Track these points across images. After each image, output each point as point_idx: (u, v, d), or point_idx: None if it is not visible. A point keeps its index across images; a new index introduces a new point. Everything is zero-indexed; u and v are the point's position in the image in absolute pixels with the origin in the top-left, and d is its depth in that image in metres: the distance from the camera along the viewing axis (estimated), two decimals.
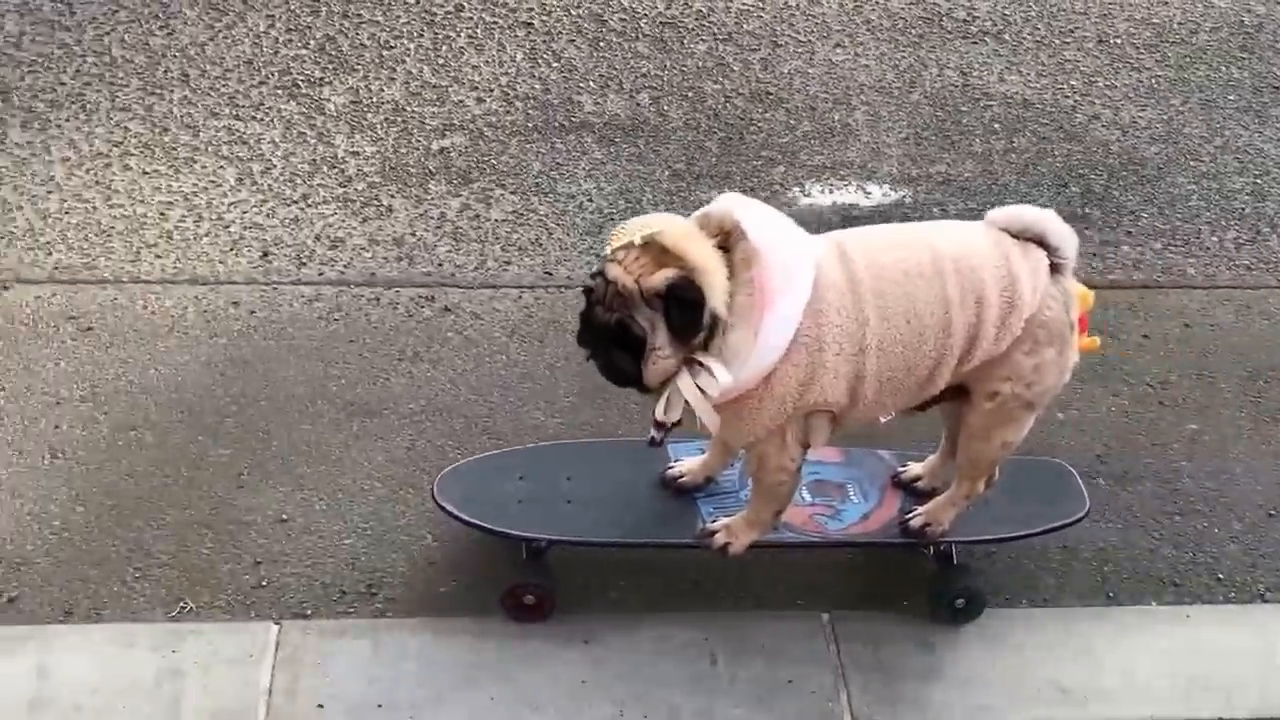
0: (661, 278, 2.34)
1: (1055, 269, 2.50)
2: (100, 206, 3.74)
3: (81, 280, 3.51)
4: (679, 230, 2.38)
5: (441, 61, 4.34)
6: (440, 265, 3.67)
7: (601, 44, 4.46)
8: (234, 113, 4.08)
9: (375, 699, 2.56)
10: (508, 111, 4.19)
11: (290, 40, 4.36)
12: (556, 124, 4.16)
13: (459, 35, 4.45)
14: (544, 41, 4.45)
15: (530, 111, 4.19)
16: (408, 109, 4.15)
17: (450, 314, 3.52)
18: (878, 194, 3.98)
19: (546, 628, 2.73)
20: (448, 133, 4.09)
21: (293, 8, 4.48)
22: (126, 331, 3.38)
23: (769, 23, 4.60)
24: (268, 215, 3.76)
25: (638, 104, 4.26)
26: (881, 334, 2.42)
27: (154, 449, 3.09)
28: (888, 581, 2.93)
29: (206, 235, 3.67)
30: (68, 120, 4.00)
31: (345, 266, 3.64)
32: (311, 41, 4.37)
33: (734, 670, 2.65)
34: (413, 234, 3.75)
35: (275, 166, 3.92)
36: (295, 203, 3.81)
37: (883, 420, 2.63)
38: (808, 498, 2.86)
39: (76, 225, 3.67)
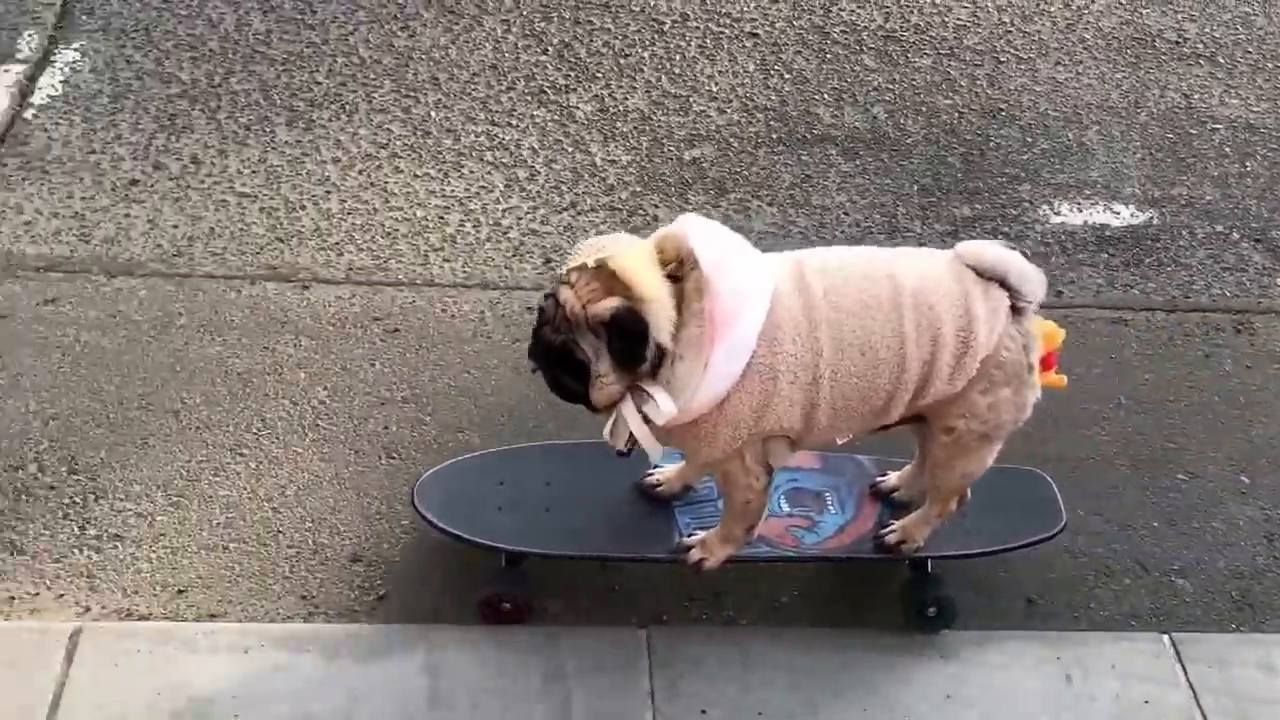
0: (605, 307, 2.34)
1: (1017, 310, 2.50)
2: (380, 208, 3.81)
3: (377, 282, 3.59)
4: (631, 257, 2.38)
5: (677, 71, 4.41)
6: None
7: (828, 56, 4.54)
8: (489, 118, 4.15)
9: (755, 706, 2.65)
10: (749, 123, 4.26)
11: (529, 46, 4.43)
12: (799, 136, 4.24)
13: (689, 45, 4.52)
14: (772, 53, 4.52)
15: (771, 123, 4.27)
16: (654, 118, 4.23)
17: None
18: (1125, 214, 4.07)
19: (899, 640, 2.81)
20: (696, 143, 4.17)
21: (525, 13, 4.55)
22: (431, 334, 3.46)
23: (987, 39, 4.67)
24: (541, 222, 3.84)
25: (874, 117, 4.33)
26: (835, 364, 2.44)
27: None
28: (1217, 605, 3.02)
29: (488, 240, 3.75)
30: (330, 120, 4.07)
31: None
32: (549, 48, 4.43)
33: (1090, 689, 2.74)
34: None
35: (539, 173, 3.99)
36: (565, 210, 3.89)
37: (839, 441, 2.67)
38: (785, 507, 2.87)
39: (361, 227, 3.74)
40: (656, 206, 3.94)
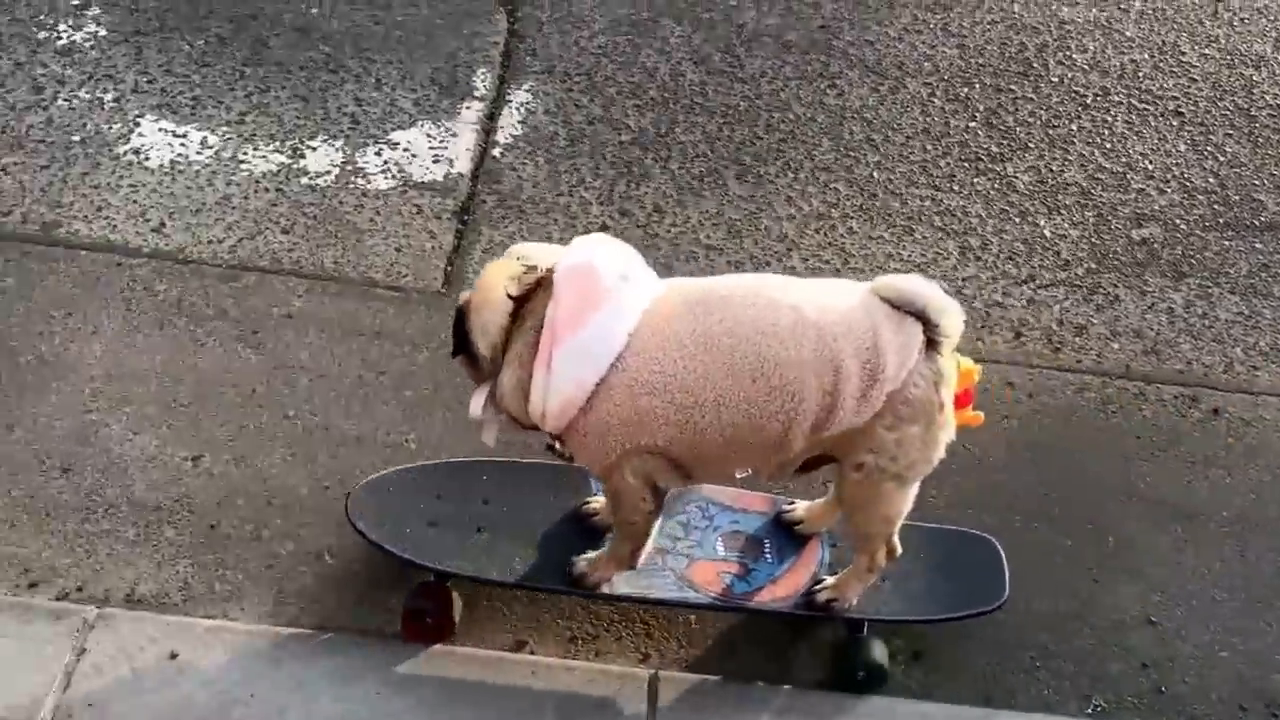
0: (460, 295, 2.60)
1: (932, 344, 2.42)
2: (842, 269, 3.83)
3: None
4: (494, 267, 2.54)
5: (1108, 146, 4.36)
6: (1189, 364, 3.68)
7: (1260, 140, 4.43)
8: (930, 182, 4.15)
9: None
10: (1192, 204, 4.19)
11: (955, 110, 4.42)
12: (1245, 222, 4.14)
13: (1115, 120, 4.46)
14: (1201, 133, 4.44)
15: (1215, 206, 4.19)
16: (1093, 193, 4.18)
17: (1220, 417, 3.53)
18: None
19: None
20: (1143, 222, 4.10)
21: (945, 77, 4.55)
22: None
23: None
24: (1004, 294, 3.82)
25: None
26: (723, 389, 2.41)
27: None
28: None
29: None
30: (777, 176, 4.12)
31: (1098, 356, 3.67)
32: (976, 114, 4.42)
33: None
34: (1150, 328, 3.77)
35: (991, 242, 3.97)
36: (1024, 283, 3.86)
37: (738, 476, 2.60)
38: (720, 550, 2.82)
39: None
40: (1115, 286, 3.89)
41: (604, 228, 3.87)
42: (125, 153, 3.91)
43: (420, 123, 4.15)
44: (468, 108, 4.23)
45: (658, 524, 2.68)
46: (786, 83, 4.48)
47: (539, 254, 2.54)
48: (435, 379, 3.37)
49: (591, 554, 2.77)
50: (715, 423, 2.44)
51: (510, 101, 4.28)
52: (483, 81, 4.34)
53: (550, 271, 2.47)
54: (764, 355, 2.41)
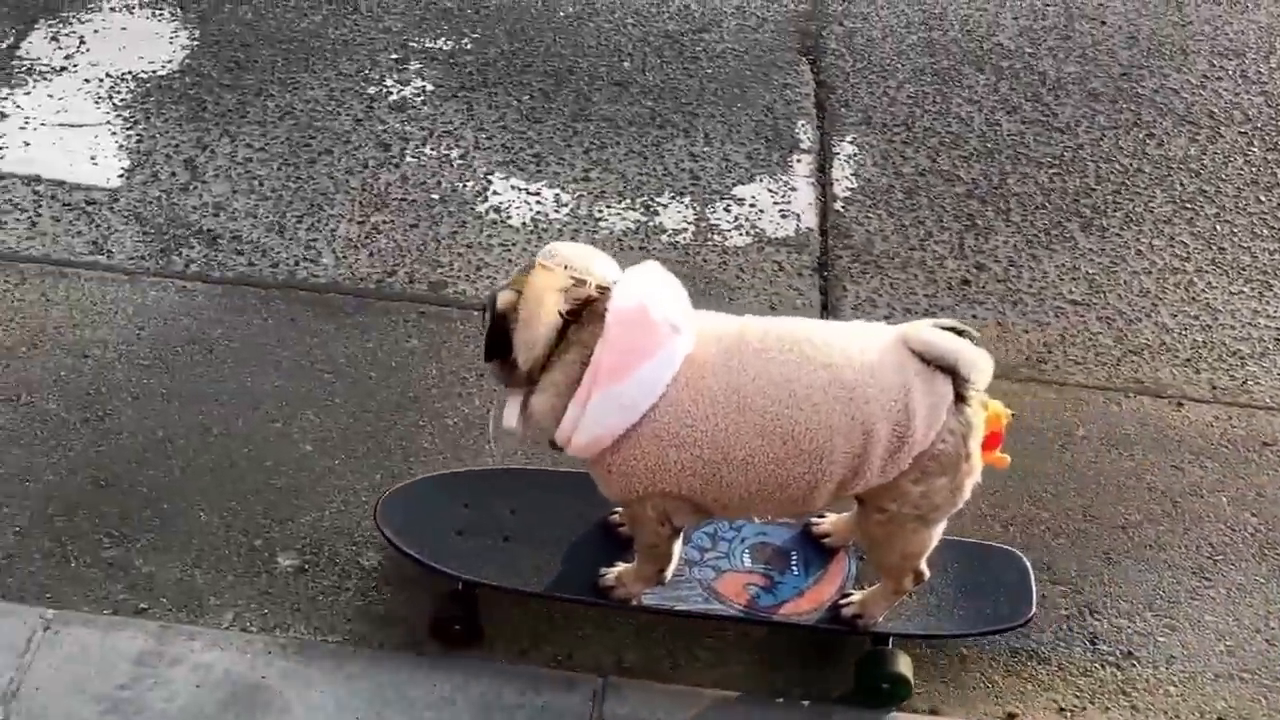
0: (495, 295, 2.43)
1: (960, 397, 2.38)
2: (1212, 325, 3.80)
3: (1245, 404, 3.57)
4: (547, 279, 2.40)
5: None
6: None
7: None
8: (1275, 235, 4.11)
9: None
10: None
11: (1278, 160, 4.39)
12: None
13: None
14: None
15: None
16: None
17: None
18: None
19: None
20: None
21: (1258, 125, 4.51)
22: None
23: None
24: None
25: None
26: (753, 449, 2.38)
27: None
28: None
29: None
30: (1121, 229, 4.09)
31: None
32: None
33: None
34: None
35: None
36: None
37: (757, 521, 2.63)
38: (747, 563, 2.80)
39: (1203, 344, 3.73)
40: None
41: (965, 282, 3.86)
42: (486, 211, 3.93)
43: (758, 177, 4.16)
44: (798, 160, 4.23)
45: (678, 545, 2.67)
46: (1104, 132, 4.46)
47: (581, 260, 2.44)
48: None
49: (620, 567, 2.76)
50: (741, 479, 2.43)
51: (837, 154, 4.28)
52: (805, 133, 4.34)
53: (601, 293, 2.40)
54: (795, 419, 2.38)
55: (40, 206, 3.81)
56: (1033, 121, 4.49)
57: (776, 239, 3.95)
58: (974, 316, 3.74)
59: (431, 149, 4.13)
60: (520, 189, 4.02)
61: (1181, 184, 4.28)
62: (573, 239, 3.84)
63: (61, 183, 3.90)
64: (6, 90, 4.21)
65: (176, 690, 2.66)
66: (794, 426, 2.38)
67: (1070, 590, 3.06)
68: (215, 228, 3.79)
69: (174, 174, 3.96)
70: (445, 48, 4.55)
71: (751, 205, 4.05)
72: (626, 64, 4.57)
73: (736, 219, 3.99)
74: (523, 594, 2.78)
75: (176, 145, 4.06)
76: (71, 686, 2.62)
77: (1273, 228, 4.15)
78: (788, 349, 2.41)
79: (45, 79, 4.27)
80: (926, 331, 2.42)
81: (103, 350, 3.40)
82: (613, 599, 2.75)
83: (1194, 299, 3.88)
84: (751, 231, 3.96)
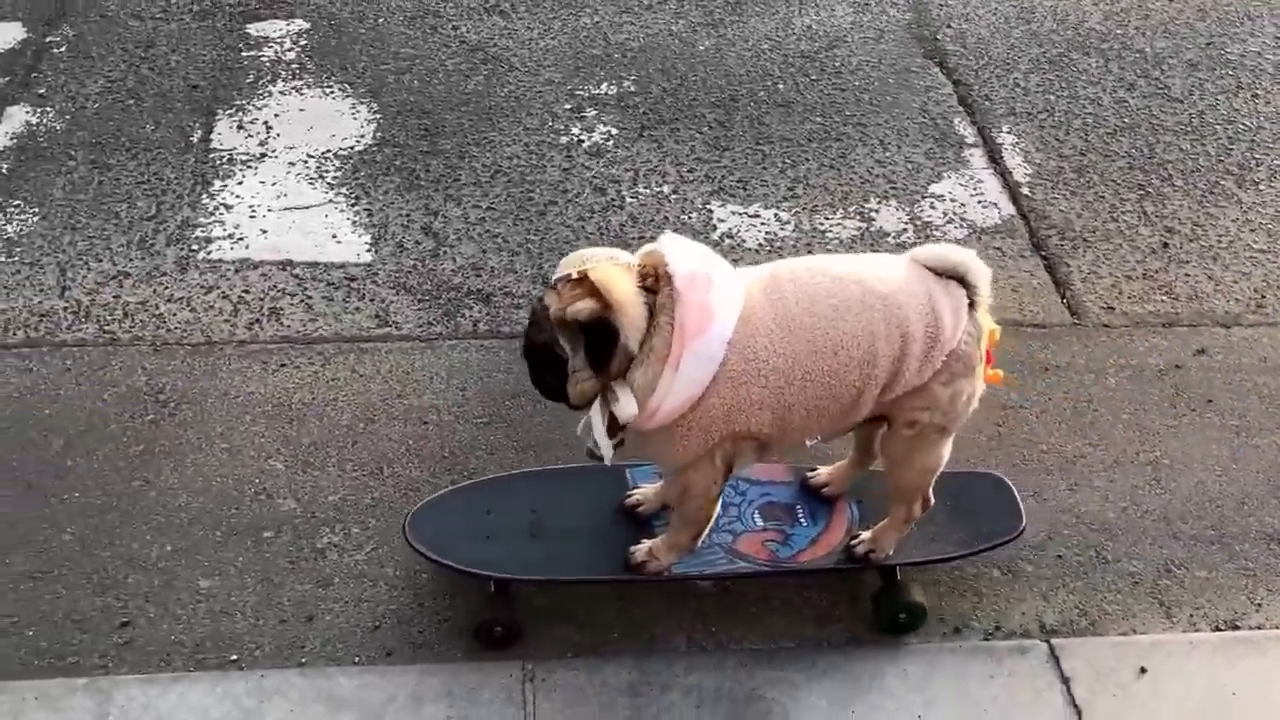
0: (582, 308, 2.48)
1: (970, 305, 2.63)
2: None
3: None
4: (609, 270, 2.51)
5: None
6: None
7: None
8: None
9: None
10: None
11: None
12: None
13: None
14: None
15: None
16: None
17: None
18: None
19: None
20: None
21: None
22: None
23: None
24: None
25: None
26: (809, 366, 2.56)
27: None
28: None
29: None
30: (1271, 181, 4.53)
31: None
32: None
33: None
34: None
35: None
36: None
37: (809, 444, 2.75)
38: (759, 522, 3.00)
39: None
40: None
41: (1164, 245, 4.24)
42: (720, 238, 4.16)
43: (944, 174, 4.48)
44: (971, 154, 4.57)
45: (718, 506, 2.83)
46: (1215, 98, 4.92)
47: (608, 253, 2.59)
48: (1082, 398, 3.69)
49: (647, 542, 2.91)
50: (802, 398, 2.59)
51: (1001, 144, 4.64)
52: (965, 129, 4.69)
53: (656, 270, 2.53)
54: (842, 330, 2.55)
55: (307, 289, 3.90)
56: (1152, 95, 4.91)
57: (987, 228, 4.27)
58: (1186, 275, 4.12)
59: (644, 187, 4.34)
60: (740, 213, 4.26)
61: None
62: (808, 252, 4.11)
63: (315, 264, 3.99)
64: (219, 182, 4.28)
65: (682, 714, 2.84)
66: (841, 337, 2.56)
67: None
68: (483, 287, 3.94)
69: (418, 242, 4.09)
70: (611, 92, 4.76)
71: (951, 200, 4.37)
72: (781, 86, 4.85)
73: (945, 215, 4.31)
74: (558, 583, 2.94)
75: (407, 215, 4.19)
76: None
77: None
78: (818, 275, 2.61)
79: (251, 167, 4.35)
80: (934, 248, 2.67)
81: (438, 414, 3.53)
82: (646, 573, 2.89)
83: None
84: (963, 224, 4.28)
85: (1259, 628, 3.11)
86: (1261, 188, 4.49)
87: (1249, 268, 4.17)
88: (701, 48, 5.03)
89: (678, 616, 3.05)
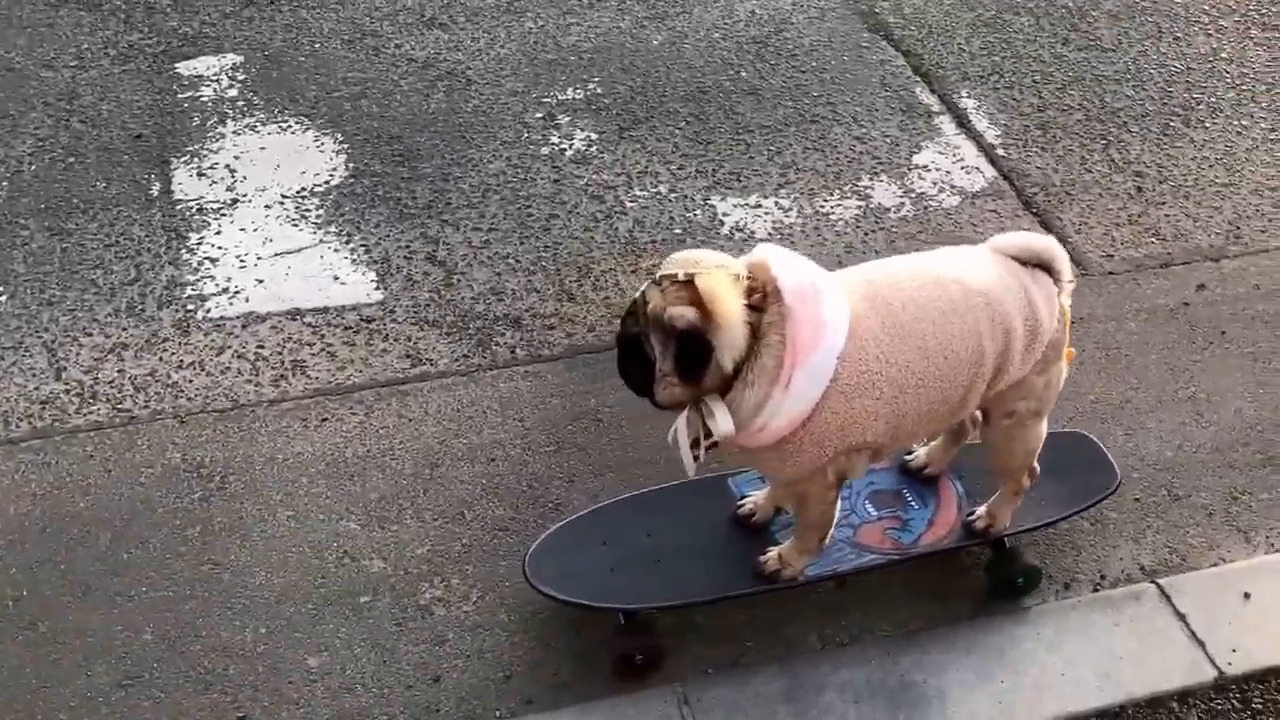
0: (679, 314, 2.40)
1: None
2: None
3: None
4: (716, 280, 2.42)
5: None
6: None
7: None
8: None
9: None
10: None
11: None
12: None
13: None
14: None
15: None
16: None
17: None
18: None
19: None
20: None
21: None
22: None
23: None
24: None
25: None
26: (922, 372, 2.53)
27: None
28: None
29: None
30: (1213, 118, 4.75)
31: None
32: None
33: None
34: None
35: None
36: None
37: (917, 447, 2.90)
38: (873, 512, 3.00)
39: None
40: None
41: (1139, 190, 4.40)
42: (731, 231, 4.13)
43: (922, 145, 4.55)
44: (940, 122, 4.66)
45: (838, 508, 2.79)
46: (1143, 45, 5.12)
47: (720, 260, 2.50)
48: (1111, 345, 3.83)
49: (775, 550, 2.86)
50: (915, 405, 2.56)
51: (965, 109, 4.74)
52: (926, 97, 4.77)
53: (764, 285, 2.46)
54: (950, 333, 2.53)
55: (325, 337, 3.72)
56: (1086, 47, 5.09)
57: (976, 193, 4.36)
58: (1166, 216, 4.29)
59: (640, 189, 4.28)
60: (742, 205, 4.24)
61: (1224, 72, 4.99)
62: (818, 236, 4.12)
63: (325, 309, 3.81)
64: (195, 234, 4.04)
65: (843, 712, 2.83)
66: (950, 340, 2.53)
67: None
68: (508, 311, 3.82)
69: (426, 274, 3.94)
70: (579, 96, 4.68)
71: (937, 169, 4.44)
72: (744, 73, 4.84)
73: (935, 184, 4.37)
74: (693, 606, 2.86)
75: (407, 246, 4.03)
76: None
77: None
78: (916, 278, 2.57)
79: (225, 215, 4.11)
80: (1017, 237, 2.69)
81: (503, 449, 3.41)
82: (780, 581, 2.84)
83: None
84: (955, 191, 4.35)
85: None
86: (1207, 125, 4.70)
87: (1218, 201, 4.36)
88: (655, 42, 4.98)
89: (805, 616, 3.02)
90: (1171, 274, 4.05)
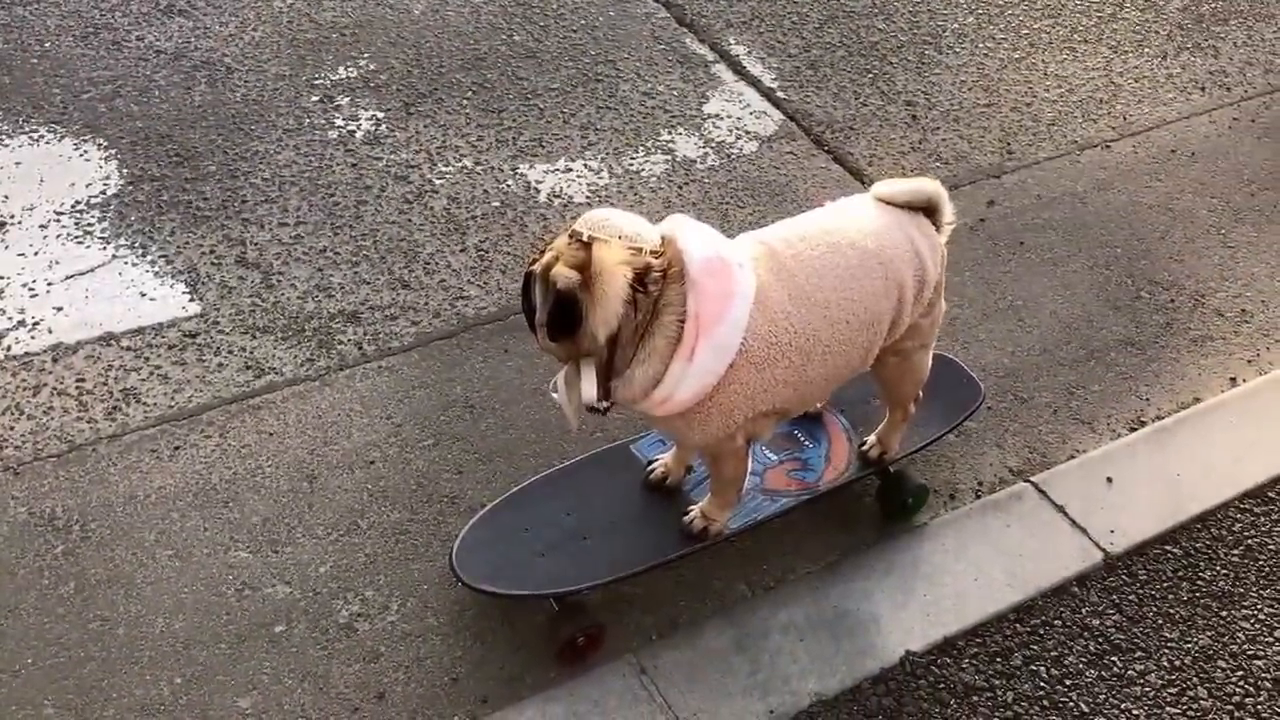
0: (559, 274, 2.37)
1: (936, 229, 2.75)
2: (1082, 86, 4.94)
3: (1143, 129, 4.76)
4: (609, 252, 2.38)
5: None
6: None
7: None
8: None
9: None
10: None
11: None
12: None
13: None
14: None
15: None
16: None
17: None
18: None
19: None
20: None
21: None
22: None
23: None
24: None
25: None
26: (828, 338, 2.59)
27: None
28: None
29: None
30: (960, 44, 5.09)
31: None
32: None
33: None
34: None
35: None
36: None
37: (819, 405, 3.06)
38: (774, 457, 3.05)
39: (1098, 99, 4.87)
40: None
41: (914, 118, 4.65)
42: (549, 199, 4.06)
43: (708, 94, 4.62)
44: (718, 70, 4.75)
45: (750, 462, 2.80)
46: None
47: (630, 226, 2.45)
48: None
49: (696, 508, 2.88)
50: (822, 370, 2.63)
51: (737, 56, 4.85)
52: (698, 47, 4.85)
53: (656, 256, 2.42)
54: (849, 297, 2.59)
55: (150, 359, 3.40)
56: None
57: (770, 136, 4.48)
58: (944, 140, 4.57)
59: (444, 165, 4.13)
60: (553, 171, 4.17)
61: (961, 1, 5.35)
62: (634, 196, 4.13)
63: (139, 330, 3.47)
64: None
65: (792, 650, 2.88)
66: (851, 305, 2.60)
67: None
68: (343, 307, 3.61)
69: (242, 278, 3.66)
70: (353, 75, 4.45)
71: (728, 117, 4.52)
72: (517, 37, 4.75)
73: (731, 131, 4.46)
74: (624, 579, 2.80)
75: (212, 250, 3.73)
76: None
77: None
78: (815, 244, 2.60)
79: None
80: (904, 182, 2.73)
81: (380, 450, 3.24)
82: (709, 537, 2.85)
83: (1055, 74, 4.98)
84: (751, 137, 4.45)
85: (1158, 418, 3.60)
86: (958, 50, 5.02)
87: (985, 122, 4.68)
88: (417, 11, 4.80)
89: (727, 567, 3.05)
90: (962, 194, 4.31)
